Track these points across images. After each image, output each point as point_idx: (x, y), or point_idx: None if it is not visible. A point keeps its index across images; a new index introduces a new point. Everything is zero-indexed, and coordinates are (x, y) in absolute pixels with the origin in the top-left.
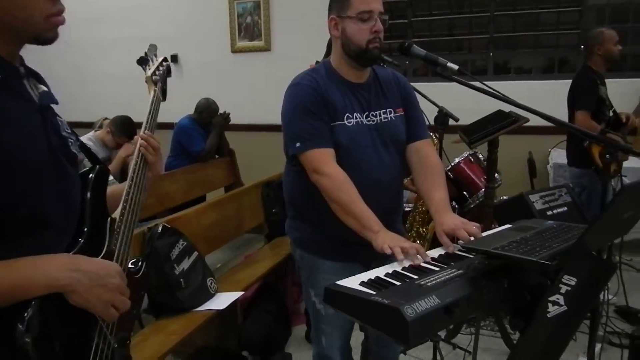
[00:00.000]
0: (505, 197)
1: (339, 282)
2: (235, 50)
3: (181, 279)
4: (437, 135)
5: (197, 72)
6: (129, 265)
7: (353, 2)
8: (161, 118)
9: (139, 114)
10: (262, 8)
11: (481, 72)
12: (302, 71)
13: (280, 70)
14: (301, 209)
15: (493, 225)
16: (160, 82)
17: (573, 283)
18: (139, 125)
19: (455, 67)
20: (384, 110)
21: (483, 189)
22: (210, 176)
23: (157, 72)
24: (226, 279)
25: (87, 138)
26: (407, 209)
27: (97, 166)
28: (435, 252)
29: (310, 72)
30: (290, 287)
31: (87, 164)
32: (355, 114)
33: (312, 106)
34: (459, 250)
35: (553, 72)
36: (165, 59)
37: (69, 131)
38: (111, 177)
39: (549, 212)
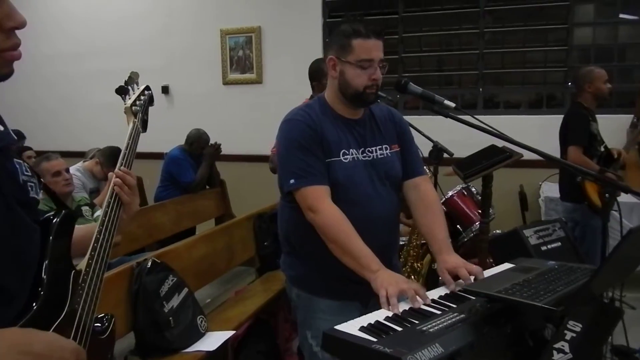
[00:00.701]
0: (498, 231)
1: (338, 327)
2: (226, 82)
3: (170, 318)
4: (432, 170)
5: (188, 103)
6: (95, 324)
7: (355, 49)
8: (151, 148)
9: (117, 144)
10: (254, 42)
11: (471, 107)
12: (293, 104)
13: (272, 102)
14: (297, 245)
15: (488, 260)
16: (140, 113)
17: (578, 329)
18: None
19: (452, 104)
20: (380, 147)
21: (477, 223)
22: (200, 207)
23: (137, 102)
24: (216, 316)
25: (75, 169)
26: (401, 243)
27: (63, 211)
28: (436, 293)
29: (304, 107)
30: (282, 324)
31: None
32: (351, 149)
33: (306, 142)
34: (460, 291)
35: (541, 107)
36: (147, 88)
37: (29, 174)
38: (99, 212)
39: (544, 247)
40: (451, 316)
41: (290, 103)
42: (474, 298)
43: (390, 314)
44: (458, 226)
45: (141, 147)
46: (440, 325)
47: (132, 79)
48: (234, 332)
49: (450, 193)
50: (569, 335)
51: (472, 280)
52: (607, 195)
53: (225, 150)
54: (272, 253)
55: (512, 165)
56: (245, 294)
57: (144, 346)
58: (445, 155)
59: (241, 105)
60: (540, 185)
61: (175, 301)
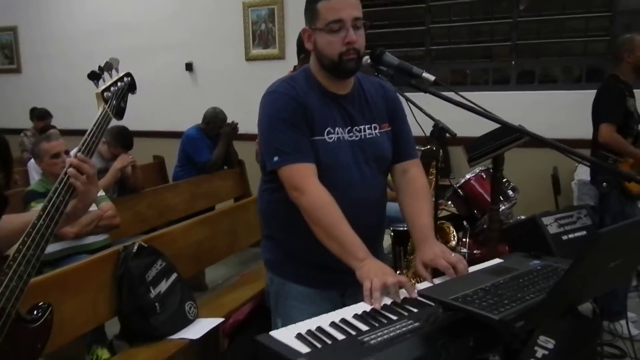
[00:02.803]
0: (522, 217)
1: (273, 333)
2: (249, 58)
3: (156, 303)
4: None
5: (211, 80)
6: (28, 313)
7: (321, 12)
8: (175, 127)
9: (140, 123)
10: (277, 15)
11: (504, 81)
12: None
13: None
14: (276, 229)
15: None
16: (114, 99)
17: (551, 346)
18: (138, 134)
19: (432, 77)
20: (369, 126)
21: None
22: (218, 187)
23: (111, 88)
24: (211, 302)
25: None
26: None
27: None
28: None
29: (289, 79)
30: None
31: None
32: (337, 128)
33: (292, 117)
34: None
35: (581, 82)
36: (127, 74)
37: None
38: (102, 193)
39: (565, 237)
40: (404, 324)
41: None
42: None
43: (347, 314)
44: (475, 211)
45: (165, 126)
46: (386, 336)
47: (110, 65)
48: (222, 319)
49: (467, 176)
50: (540, 352)
51: (453, 273)
52: (604, 184)
53: (248, 128)
54: None
55: (544, 145)
56: (249, 278)
57: (129, 331)
58: (466, 133)
59: (264, 81)
60: (576, 167)
61: (163, 286)
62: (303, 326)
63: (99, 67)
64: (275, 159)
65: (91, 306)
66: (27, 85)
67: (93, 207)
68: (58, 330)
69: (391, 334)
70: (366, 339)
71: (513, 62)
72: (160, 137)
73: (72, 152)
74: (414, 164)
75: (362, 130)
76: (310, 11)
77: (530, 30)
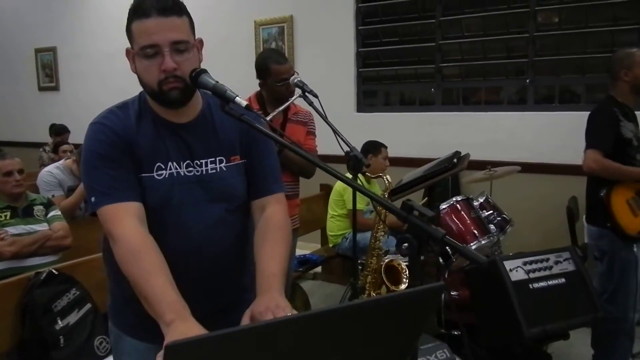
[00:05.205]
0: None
1: None
2: None
3: (60, 336)
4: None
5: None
6: None
7: (134, 35)
8: None
9: None
10: (286, 33)
11: (520, 101)
12: (326, 94)
13: None
14: (112, 272)
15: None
16: None
17: None
18: None
19: (244, 102)
20: (212, 159)
21: (472, 244)
22: None
23: None
24: None
25: (54, 166)
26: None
27: None
28: None
29: (118, 108)
30: None
31: None
32: (170, 163)
33: (110, 152)
34: None
35: None
36: None
37: None
38: (57, 212)
39: (535, 285)
40: None
41: (321, 96)
42: None
43: None
44: (447, 248)
45: None
46: None
47: None
48: None
49: (442, 206)
50: None
51: None
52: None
53: None
54: None
55: (560, 171)
56: None
57: None
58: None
59: None
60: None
61: (72, 318)
62: None
63: None
64: (93, 199)
65: None
66: (65, 102)
67: (44, 227)
68: None
69: None
70: None
71: (528, 80)
72: None
73: None
74: (274, 200)
75: (204, 165)
76: (127, 32)
77: (548, 46)
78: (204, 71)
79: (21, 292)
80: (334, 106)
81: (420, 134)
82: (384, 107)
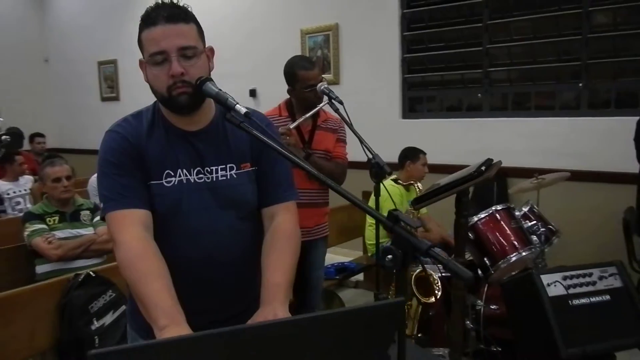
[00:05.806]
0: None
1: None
2: None
3: (95, 337)
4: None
5: (273, 105)
6: None
7: (144, 43)
8: None
9: None
10: (332, 41)
11: (574, 107)
12: (369, 103)
13: (349, 103)
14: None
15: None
16: None
17: None
18: None
19: (243, 110)
20: (222, 167)
21: (512, 256)
22: None
23: None
24: None
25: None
26: None
27: None
28: None
29: (133, 116)
30: None
31: None
32: (180, 170)
33: (120, 159)
34: None
35: None
36: (8, 133)
37: None
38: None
39: (575, 301)
40: None
41: (366, 103)
42: None
43: None
44: (485, 259)
45: None
46: None
47: None
48: None
49: (481, 216)
50: None
51: None
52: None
53: None
54: None
55: (617, 180)
56: None
57: None
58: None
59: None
60: None
61: (108, 319)
62: None
63: None
64: (102, 205)
65: (28, 335)
66: (124, 111)
67: (89, 231)
68: None
69: None
70: None
71: (581, 84)
72: None
73: None
74: (283, 208)
75: (214, 172)
76: (139, 42)
77: (604, 48)
78: (209, 79)
79: (60, 293)
80: (380, 113)
81: (467, 141)
82: (430, 113)
